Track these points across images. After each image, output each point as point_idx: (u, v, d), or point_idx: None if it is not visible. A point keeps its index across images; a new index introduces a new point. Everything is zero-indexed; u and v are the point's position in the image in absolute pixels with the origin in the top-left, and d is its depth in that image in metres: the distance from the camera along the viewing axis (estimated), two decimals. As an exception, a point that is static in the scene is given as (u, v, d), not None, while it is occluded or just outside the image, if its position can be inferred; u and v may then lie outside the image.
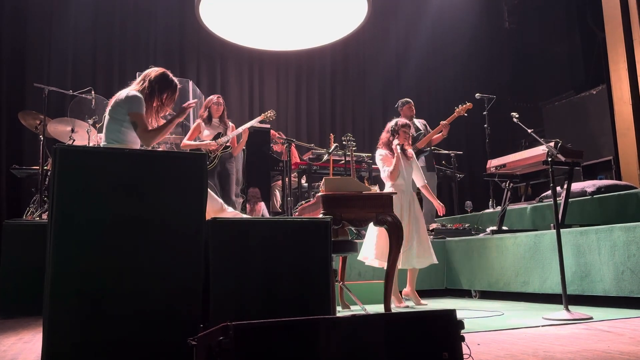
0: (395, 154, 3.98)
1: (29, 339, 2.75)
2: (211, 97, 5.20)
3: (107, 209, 1.93)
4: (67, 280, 1.84)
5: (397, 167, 3.97)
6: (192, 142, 4.98)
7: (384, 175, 4.07)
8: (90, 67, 7.23)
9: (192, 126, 5.16)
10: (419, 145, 5.70)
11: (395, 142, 3.99)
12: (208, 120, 5.07)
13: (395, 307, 3.82)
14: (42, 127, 5.03)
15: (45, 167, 4.99)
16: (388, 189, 4.02)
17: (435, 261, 4.01)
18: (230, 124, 5.17)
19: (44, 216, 4.70)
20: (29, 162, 6.10)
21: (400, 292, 4.09)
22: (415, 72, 9.13)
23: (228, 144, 5.04)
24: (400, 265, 3.78)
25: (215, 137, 5.01)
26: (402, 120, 4.17)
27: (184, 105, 3.15)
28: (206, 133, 5.05)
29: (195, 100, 3.27)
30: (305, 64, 8.71)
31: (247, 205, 5.60)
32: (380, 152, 4.12)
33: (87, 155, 1.99)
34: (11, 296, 3.57)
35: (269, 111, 5.22)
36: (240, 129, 5.05)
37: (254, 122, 5.19)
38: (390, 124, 4.16)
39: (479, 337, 2.46)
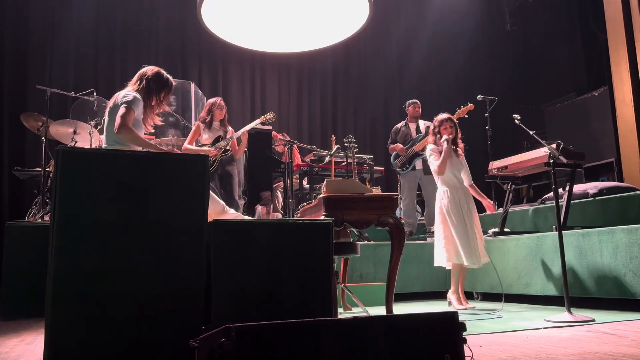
0: (443, 147, 4.00)
1: (31, 341, 2.75)
2: (214, 99, 5.18)
3: (109, 210, 1.93)
4: (69, 282, 1.85)
5: (445, 160, 3.98)
6: (193, 147, 4.99)
7: (432, 168, 4.09)
8: (92, 69, 7.25)
9: (192, 129, 5.16)
10: (416, 148, 5.70)
11: (445, 137, 4.03)
12: (209, 124, 5.06)
13: (459, 308, 3.82)
14: (44, 129, 5.04)
15: (48, 169, 4.99)
16: (438, 184, 4.08)
17: (487, 260, 3.94)
18: (230, 128, 5.17)
19: (46, 218, 4.71)
20: (31, 163, 6.11)
21: (466, 292, 4.07)
22: (417, 74, 9.13)
23: (228, 147, 5.05)
24: (466, 262, 3.79)
25: (215, 141, 5.02)
26: (439, 117, 4.18)
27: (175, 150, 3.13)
28: (205, 136, 5.05)
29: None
30: (306, 65, 8.72)
31: (263, 209, 5.60)
32: (430, 146, 4.16)
33: (89, 157, 1.99)
34: (13, 297, 3.58)
35: (268, 113, 5.22)
36: (240, 132, 5.05)
37: (254, 125, 5.19)
38: (432, 125, 4.24)
39: (481, 339, 2.46)
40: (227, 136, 5.03)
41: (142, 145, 2.87)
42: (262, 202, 5.67)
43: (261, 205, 5.62)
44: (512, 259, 4.19)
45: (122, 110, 2.83)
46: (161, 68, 3.12)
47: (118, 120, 2.80)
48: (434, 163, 4.05)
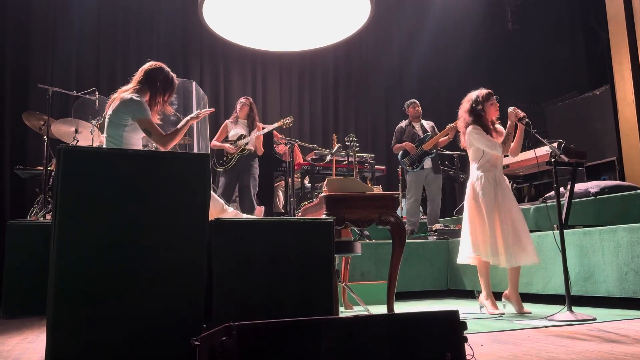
0: (510, 122, 3.48)
1: (33, 339, 2.76)
2: (240, 99, 5.58)
3: (111, 209, 1.93)
4: (71, 281, 1.85)
5: (510, 139, 3.49)
6: (218, 143, 5.38)
7: (486, 148, 3.55)
8: (94, 68, 7.24)
9: (221, 127, 5.52)
10: (425, 147, 5.70)
11: (511, 108, 3.49)
12: (235, 120, 5.42)
13: (487, 313, 3.44)
14: (45, 128, 5.04)
15: (49, 168, 5.00)
16: (486, 170, 3.59)
17: (537, 260, 3.41)
18: (259, 124, 5.43)
19: (48, 216, 4.72)
20: (33, 162, 6.12)
21: (501, 293, 3.60)
22: (418, 73, 9.12)
23: (246, 148, 5.28)
24: (504, 263, 3.38)
25: (238, 139, 5.31)
26: (483, 91, 3.65)
27: (200, 112, 3.16)
28: (232, 133, 5.37)
29: (212, 109, 3.43)
30: (308, 64, 8.71)
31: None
32: (475, 128, 3.60)
33: (90, 156, 1.99)
34: (15, 296, 3.58)
35: (287, 118, 5.40)
36: (256, 134, 5.29)
37: (272, 128, 5.48)
38: (469, 103, 3.67)
39: (482, 338, 2.46)
40: (252, 134, 5.28)
41: (180, 135, 3.00)
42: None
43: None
44: (514, 258, 4.18)
45: (146, 127, 2.84)
46: (164, 64, 3.08)
47: (155, 140, 2.89)
48: (485, 142, 3.55)
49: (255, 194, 5.38)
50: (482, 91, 3.68)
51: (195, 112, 3.17)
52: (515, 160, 4.61)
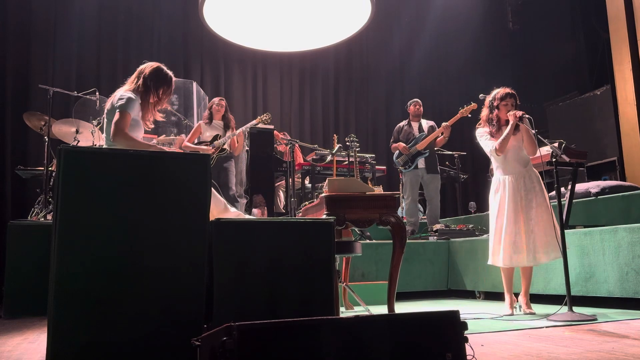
0: (511, 122, 3.45)
1: (34, 339, 2.77)
2: (214, 99, 5.47)
3: (111, 209, 1.93)
4: (72, 281, 1.85)
5: (506, 139, 3.46)
6: (191, 145, 5.28)
7: (487, 150, 3.58)
8: (95, 68, 7.25)
9: (194, 128, 5.41)
10: (419, 147, 5.71)
11: (513, 112, 3.47)
12: (209, 122, 5.33)
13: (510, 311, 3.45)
14: (46, 128, 5.05)
15: (50, 168, 5.00)
16: (496, 169, 3.61)
17: (559, 256, 3.30)
18: (233, 125, 5.38)
19: (49, 217, 4.72)
20: (34, 163, 6.12)
21: (516, 294, 3.59)
22: (419, 73, 9.12)
23: (225, 147, 5.24)
24: (526, 262, 3.37)
25: (213, 139, 5.23)
26: (501, 91, 3.64)
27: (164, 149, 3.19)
28: (206, 134, 5.29)
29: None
30: (308, 65, 8.72)
31: (258, 211, 5.68)
32: (479, 131, 3.67)
33: (91, 156, 1.99)
34: (16, 296, 3.59)
35: (264, 114, 5.42)
36: (236, 132, 5.26)
37: (250, 125, 5.38)
38: (489, 98, 3.70)
39: (483, 338, 2.46)
40: (227, 134, 5.17)
41: (133, 146, 2.87)
42: (254, 205, 5.72)
43: (255, 208, 5.67)
44: (514, 258, 4.18)
45: (116, 116, 2.80)
46: (161, 64, 3.09)
47: (113, 127, 2.80)
48: (481, 143, 3.60)
49: (243, 190, 5.39)
50: (503, 90, 3.67)
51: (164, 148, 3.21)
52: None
